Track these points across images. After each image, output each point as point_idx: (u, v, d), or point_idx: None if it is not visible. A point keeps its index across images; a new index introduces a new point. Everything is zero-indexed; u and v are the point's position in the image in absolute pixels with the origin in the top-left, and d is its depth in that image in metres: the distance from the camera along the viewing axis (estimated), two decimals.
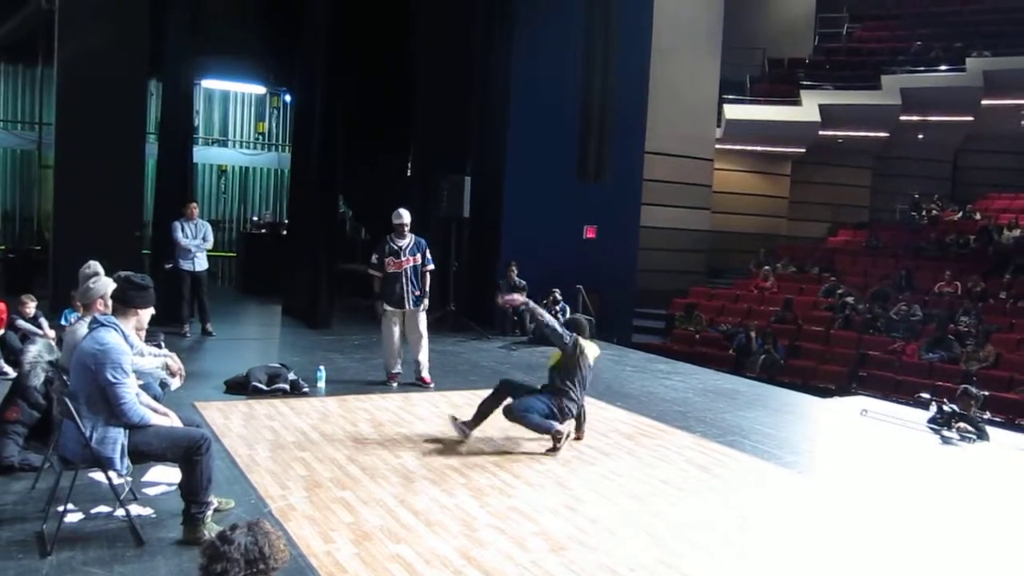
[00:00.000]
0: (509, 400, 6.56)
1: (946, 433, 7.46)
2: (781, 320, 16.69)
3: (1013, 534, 5.37)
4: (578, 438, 6.76)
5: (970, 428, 7.48)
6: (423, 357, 8.58)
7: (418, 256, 8.36)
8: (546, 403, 6.50)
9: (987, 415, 8.11)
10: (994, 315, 15.77)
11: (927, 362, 14.32)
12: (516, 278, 11.94)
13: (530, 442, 6.61)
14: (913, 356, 14.66)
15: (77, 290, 5.34)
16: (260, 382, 7.82)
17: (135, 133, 11.63)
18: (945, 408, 7.68)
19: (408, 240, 8.36)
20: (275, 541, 2.38)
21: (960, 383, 10.80)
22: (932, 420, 7.69)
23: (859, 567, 4.65)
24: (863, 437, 7.70)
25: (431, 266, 8.54)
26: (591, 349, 6.81)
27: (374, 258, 8.39)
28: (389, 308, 8.34)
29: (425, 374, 8.59)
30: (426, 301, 8.48)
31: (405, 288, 8.27)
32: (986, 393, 9.30)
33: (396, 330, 8.39)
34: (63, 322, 7.51)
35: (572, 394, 6.58)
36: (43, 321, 8.61)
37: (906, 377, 13.87)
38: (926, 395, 8.82)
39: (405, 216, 8.39)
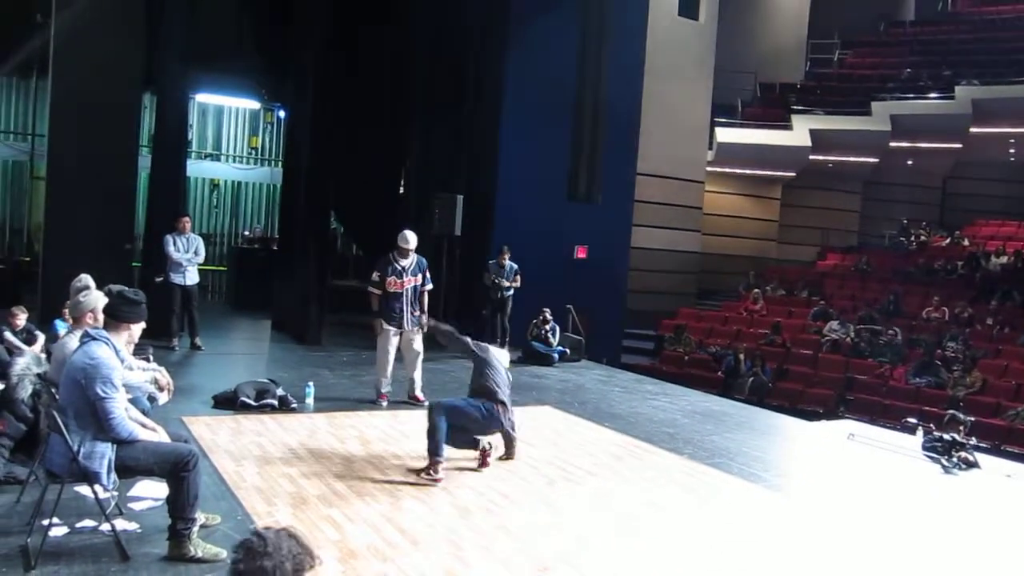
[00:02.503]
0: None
1: (946, 462, 7.46)
2: (771, 343, 16.75)
3: (998, 558, 5.40)
4: (507, 457, 6.68)
5: (970, 458, 7.49)
6: (417, 375, 8.58)
7: (419, 276, 8.35)
8: (478, 405, 6.37)
9: (973, 440, 8.14)
10: (981, 341, 15.87)
11: (914, 387, 14.39)
12: (508, 261, 11.97)
13: (517, 462, 6.63)
14: (901, 381, 14.73)
15: (68, 302, 5.34)
16: (248, 397, 7.80)
17: (128, 146, 11.63)
18: (945, 437, 7.67)
19: (411, 260, 8.33)
20: (307, 542, 2.46)
21: (947, 408, 10.87)
22: (931, 448, 7.68)
23: None
24: (850, 461, 7.73)
25: (430, 286, 8.54)
26: (499, 352, 6.92)
27: (375, 276, 8.30)
28: (388, 327, 8.33)
29: (419, 392, 8.58)
30: (425, 319, 8.47)
31: (405, 308, 8.25)
32: (972, 419, 9.36)
33: (392, 349, 8.38)
34: (56, 330, 7.49)
35: (500, 394, 6.47)
36: (38, 333, 8.54)
37: (893, 401, 13.92)
38: (912, 420, 8.86)
39: (412, 240, 8.33)
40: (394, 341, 8.36)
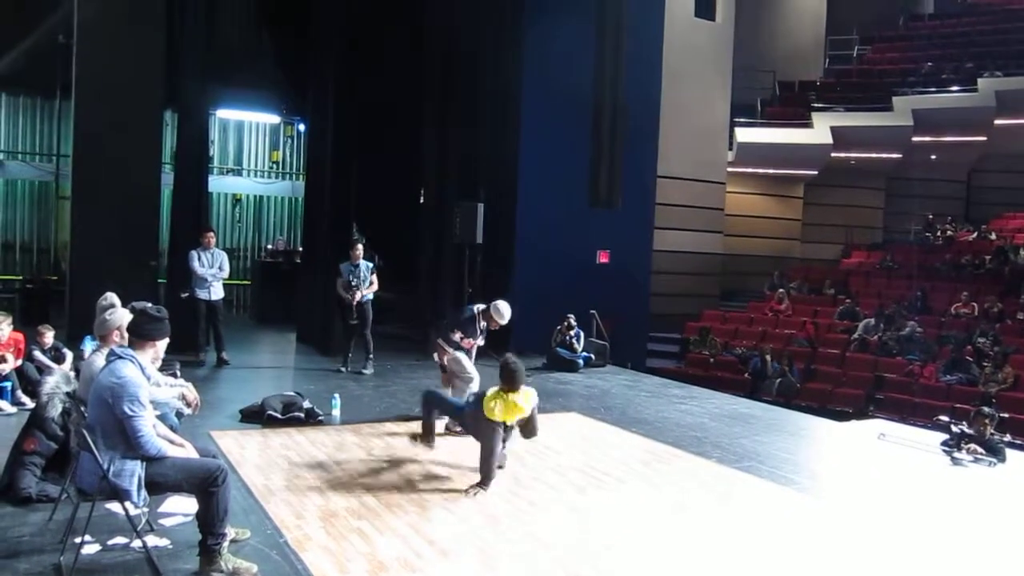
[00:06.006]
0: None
1: (957, 455, 7.44)
2: (804, 343, 16.59)
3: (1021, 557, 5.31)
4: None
5: (980, 450, 7.43)
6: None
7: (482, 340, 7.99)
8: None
9: (1007, 437, 8.03)
10: (1012, 336, 15.63)
11: (945, 384, 14.20)
12: (362, 260, 10.62)
13: (544, 469, 6.60)
14: (931, 378, 14.54)
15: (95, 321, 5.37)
16: (275, 411, 7.83)
17: (151, 163, 11.71)
18: (954, 429, 7.65)
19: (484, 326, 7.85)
20: None
21: (979, 405, 10.72)
22: (944, 442, 7.67)
23: None
24: (881, 461, 7.63)
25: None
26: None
27: (458, 336, 7.79)
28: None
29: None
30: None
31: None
32: (1006, 415, 9.23)
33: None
34: (83, 347, 7.55)
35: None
36: (66, 351, 8.61)
37: (924, 399, 13.75)
38: (944, 418, 8.75)
39: (506, 315, 7.66)
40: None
